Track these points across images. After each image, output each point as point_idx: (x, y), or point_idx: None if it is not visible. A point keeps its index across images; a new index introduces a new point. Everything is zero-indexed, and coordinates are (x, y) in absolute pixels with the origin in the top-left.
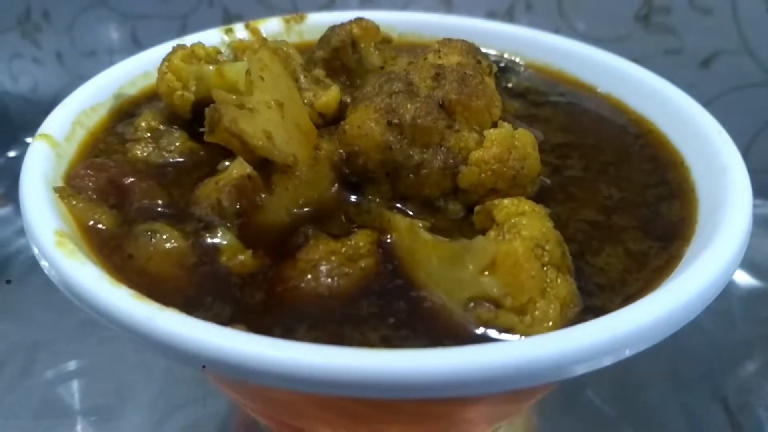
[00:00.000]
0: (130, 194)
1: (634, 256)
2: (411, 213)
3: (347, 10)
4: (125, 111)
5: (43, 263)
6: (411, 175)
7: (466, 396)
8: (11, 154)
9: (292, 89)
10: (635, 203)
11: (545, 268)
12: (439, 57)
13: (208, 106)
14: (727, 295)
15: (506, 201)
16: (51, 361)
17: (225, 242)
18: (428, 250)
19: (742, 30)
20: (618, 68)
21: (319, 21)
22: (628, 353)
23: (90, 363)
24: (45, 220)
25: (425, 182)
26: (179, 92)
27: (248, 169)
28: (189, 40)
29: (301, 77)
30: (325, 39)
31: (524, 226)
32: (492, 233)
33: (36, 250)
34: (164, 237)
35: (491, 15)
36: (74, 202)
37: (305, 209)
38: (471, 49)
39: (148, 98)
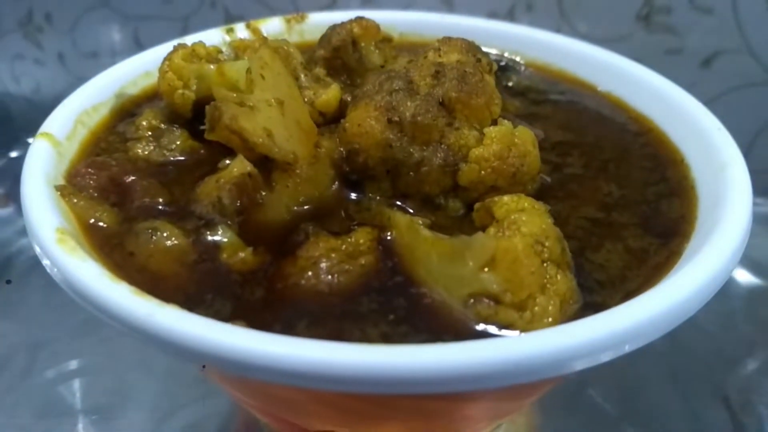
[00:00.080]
0: (131, 192)
1: (634, 252)
2: (411, 210)
3: (348, 10)
4: (126, 110)
5: (44, 260)
6: (411, 173)
7: (465, 391)
8: (13, 154)
9: (293, 87)
10: (635, 200)
11: (545, 265)
12: (439, 55)
13: (209, 104)
14: (729, 294)
15: (506, 198)
16: (52, 361)
17: (226, 240)
18: (428, 247)
19: (743, 29)
20: (618, 67)
21: (319, 21)
22: (627, 349)
23: (91, 362)
24: (46, 218)
25: (425, 180)
26: (180, 91)
27: (249, 166)
28: (190, 39)
29: (302, 76)
30: (325, 38)
31: (524, 223)
32: (492, 230)
33: (37, 248)
34: (165, 234)
35: (492, 15)
36: (75, 200)
37: (306, 207)
38: (471, 48)
39: (150, 97)
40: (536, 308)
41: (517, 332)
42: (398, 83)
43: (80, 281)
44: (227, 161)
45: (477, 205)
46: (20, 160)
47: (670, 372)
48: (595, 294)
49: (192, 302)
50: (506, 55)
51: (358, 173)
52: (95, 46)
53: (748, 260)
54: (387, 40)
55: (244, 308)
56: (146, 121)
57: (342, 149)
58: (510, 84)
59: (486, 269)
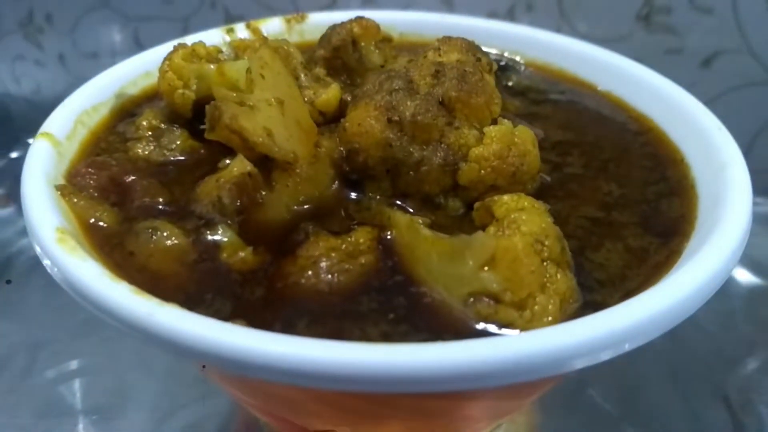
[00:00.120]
0: (131, 192)
1: (633, 252)
2: (411, 210)
3: (349, 10)
4: (126, 110)
5: (44, 260)
6: (411, 172)
7: (465, 390)
8: (13, 155)
9: (293, 87)
10: (635, 200)
11: (545, 264)
12: (439, 54)
13: (209, 104)
14: (729, 294)
15: (506, 197)
16: (52, 361)
17: (226, 239)
18: (428, 246)
19: (743, 29)
20: (618, 66)
21: (320, 21)
22: (627, 347)
23: (91, 362)
24: (46, 217)
25: (425, 179)
26: (180, 91)
27: (249, 166)
28: (190, 39)
29: (302, 75)
30: (325, 38)
31: (524, 222)
32: (491, 229)
33: (37, 247)
34: (165, 234)
35: (492, 16)
36: (75, 200)
37: (305, 206)
38: (471, 47)
39: (150, 98)
40: (536, 307)
41: (516, 331)
42: (398, 83)
43: (80, 280)
44: (227, 161)
45: (477, 205)
46: (20, 160)
47: (671, 371)
48: (595, 293)
49: (192, 302)
50: (506, 54)
51: (358, 173)
52: (96, 46)
53: (748, 260)
54: (387, 39)
55: (244, 307)
56: (146, 120)
57: (342, 149)
58: (510, 84)
59: (486, 268)
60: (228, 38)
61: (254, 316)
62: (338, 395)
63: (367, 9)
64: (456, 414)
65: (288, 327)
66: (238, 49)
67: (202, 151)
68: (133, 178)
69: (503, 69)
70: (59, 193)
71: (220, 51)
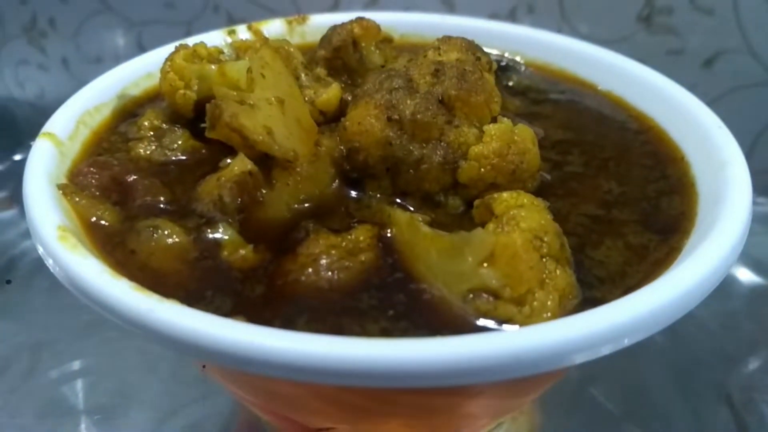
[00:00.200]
0: (133, 191)
1: (634, 249)
2: (411, 208)
3: (350, 11)
4: (128, 111)
5: (46, 258)
6: (411, 171)
7: (466, 386)
8: (17, 157)
9: (293, 87)
10: (635, 198)
11: (544, 260)
12: (439, 54)
13: (210, 103)
14: (731, 293)
15: (505, 194)
16: (55, 361)
17: (226, 237)
18: (428, 243)
19: (744, 30)
20: (618, 66)
21: (321, 22)
22: (626, 342)
23: (94, 363)
24: (48, 216)
25: (425, 177)
26: (182, 91)
27: (249, 165)
28: (192, 41)
29: (302, 75)
30: (326, 38)
31: (523, 218)
32: (491, 225)
33: (39, 245)
34: (166, 232)
35: (494, 17)
36: (77, 199)
37: (306, 205)
38: (470, 46)
39: (151, 99)
40: (535, 303)
41: (516, 327)
42: (398, 81)
43: (81, 278)
44: (228, 160)
45: (476, 202)
46: (24, 163)
47: (673, 371)
48: (594, 290)
49: (192, 299)
50: (506, 55)
51: (359, 171)
52: (99, 51)
53: (750, 259)
54: (387, 40)
55: (244, 305)
56: (148, 121)
57: (342, 147)
58: (510, 83)
59: (485, 265)
60: (229, 39)
61: (254, 313)
62: (338, 392)
63: (369, 11)
64: (456, 411)
65: (288, 324)
66: (240, 50)
67: (204, 150)
68: (135, 177)
69: (503, 69)
70: (61, 192)
71: (221, 52)
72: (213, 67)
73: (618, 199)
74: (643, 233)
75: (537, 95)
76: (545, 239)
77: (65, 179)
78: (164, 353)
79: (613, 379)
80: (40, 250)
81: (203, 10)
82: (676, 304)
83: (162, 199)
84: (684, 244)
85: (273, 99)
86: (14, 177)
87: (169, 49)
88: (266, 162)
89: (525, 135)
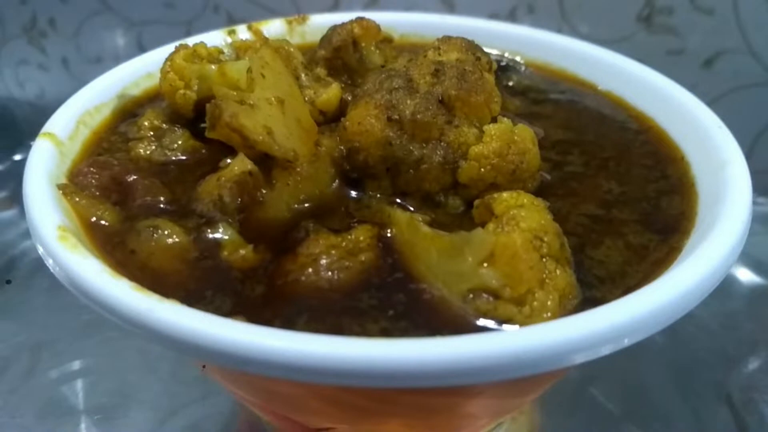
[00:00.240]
0: (133, 191)
1: (633, 248)
2: (411, 208)
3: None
4: (129, 111)
5: (46, 258)
6: (411, 171)
7: (466, 385)
8: (17, 157)
9: (293, 86)
10: (635, 198)
11: (544, 260)
12: (439, 54)
13: (209, 103)
14: (731, 293)
15: (505, 194)
16: (55, 361)
17: (226, 237)
18: (428, 243)
19: (744, 30)
20: (618, 66)
21: (321, 22)
22: (626, 342)
23: (94, 363)
24: (48, 216)
25: (425, 177)
26: (182, 91)
27: (249, 165)
28: (192, 41)
29: (302, 75)
30: (326, 38)
31: (523, 218)
32: (491, 225)
33: (38, 245)
34: (166, 232)
35: (493, 17)
36: (77, 199)
37: (306, 205)
38: (470, 46)
39: (151, 99)
40: (535, 303)
41: (516, 326)
42: (398, 81)
43: (81, 277)
44: (228, 160)
45: (476, 202)
46: (24, 163)
47: (673, 371)
48: (594, 289)
49: (192, 299)
50: (506, 55)
51: (359, 171)
52: (99, 51)
53: (750, 259)
54: (387, 40)
55: (244, 305)
56: (148, 121)
57: (342, 147)
58: (510, 83)
59: (485, 264)
60: (229, 39)
61: (254, 313)
62: (338, 392)
63: (369, 11)
64: (456, 411)
65: (288, 324)
66: (239, 50)
67: (204, 151)
68: (135, 177)
69: (503, 69)
70: (61, 192)
71: (221, 52)
72: (213, 67)
73: (618, 198)
74: (643, 233)
75: (537, 95)
76: (545, 239)
77: (65, 179)
78: (164, 353)
79: (613, 379)
80: (40, 250)
81: (203, 11)
82: (676, 304)
83: (162, 199)
84: (684, 244)
85: (273, 99)
86: (14, 177)
87: (169, 49)
88: (266, 162)
89: (525, 135)
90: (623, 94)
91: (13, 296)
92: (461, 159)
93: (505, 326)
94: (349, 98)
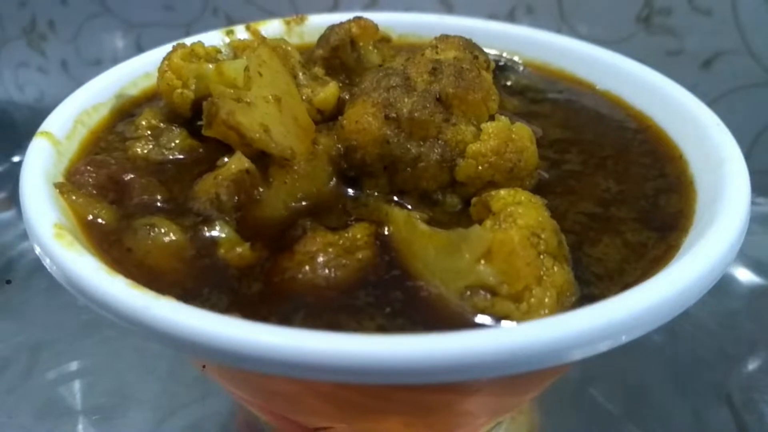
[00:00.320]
0: (130, 190)
1: (632, 246)
2: (409, 206)
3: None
4: (126, 110)
5: (42, 256)
6: (408, 169)
7: (464, 382)
8: (15, 159)
9: (291, 85)
10: (634, 196)
11: (541, 257)
12: (436, 52)
13: (206, 101)
14: (730, 293)
15: (503, 191)
16: (53, 362)
17: (223, 235)
18: (425, 241)
19: (743, 30)
20: (616, 65)
21: (319, 23)
22: (624, 339)
23: (92, 363)
24: (44, 214)
25: (423, 175)
26: (179, 90)
27: (246, 163)
28: (190, 40)
29: (300, 74)
30: (324, 38)
31: (520, 215)
32: (488, 222)
33: (35, 243)
34: (163, 231)
35: (492, 18)
36: (74, 197)
37: (303, 203)
38: (468, 45)
39: (149, 98)
40: (532, 300)
41: (513, 323)
42: (395, 80)
43: (77, 275)
44: (225, 159)
45: (474, 200)
46: (22, 164)
47: (672, 371)
48: (592, 287)
49: (189, 297)
50: (505, 54)
51: (356, 169)
52: (98, 53)
53: (749, 259)
54: (385, 40)
55: (240, 302)
56: (145, 120)
57: (340, 146)
58: (509, 83)
59: (482, 261)
60: (227, 39)
61: (251, 310)
62: (335, 389)
63: (368, 12)
64: (454, 409)
65: (284, 321)
66: (237, 50)
67: (201, 150)
68: (132, 176)
69: (502, 69)
70: (58, 190)
71: (219, 51)
72: (210, 66)
73: (616, 197)
74: (642, 231)
75: (535, 95)
76: (543, 236)
77: (62, 178)
78: (163, 353)
79: (612, 379)
80: (37, 248)
81: (202, 13)
82: (673, 301)
83: (159, 197)
84: (682, 242)
85: (270, 97)
86: (13, 179)
87: (167, 49)
88: (263, 160)
89: (523, 133)
90: (621, 93)
91: (12, 296)
92: (459, 157)
93: (502, 323)
94: (347, 97)
